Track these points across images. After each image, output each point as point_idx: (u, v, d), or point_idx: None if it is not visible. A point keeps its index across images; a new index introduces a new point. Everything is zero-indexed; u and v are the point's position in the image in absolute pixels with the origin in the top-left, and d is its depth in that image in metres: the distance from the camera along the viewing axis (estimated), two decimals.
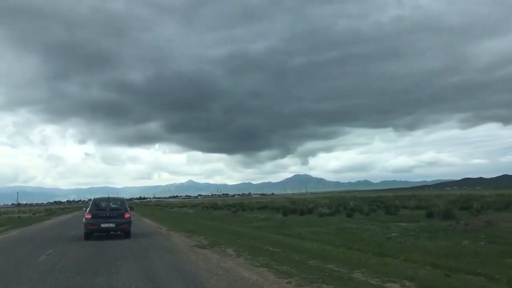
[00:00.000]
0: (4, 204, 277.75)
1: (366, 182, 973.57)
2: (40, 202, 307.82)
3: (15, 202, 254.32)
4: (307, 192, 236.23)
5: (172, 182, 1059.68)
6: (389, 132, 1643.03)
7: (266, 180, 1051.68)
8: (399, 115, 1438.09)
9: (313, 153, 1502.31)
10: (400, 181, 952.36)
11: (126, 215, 18.56)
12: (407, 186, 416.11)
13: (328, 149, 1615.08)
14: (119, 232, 18.61)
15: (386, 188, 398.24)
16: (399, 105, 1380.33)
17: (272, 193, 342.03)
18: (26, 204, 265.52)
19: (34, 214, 70.56)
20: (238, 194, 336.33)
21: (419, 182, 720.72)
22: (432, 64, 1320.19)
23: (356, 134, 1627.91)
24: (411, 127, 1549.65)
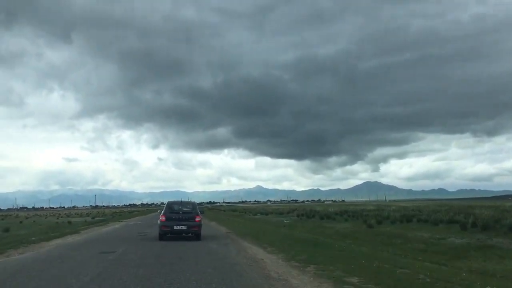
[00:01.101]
0: (83, 206, 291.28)
1: (441, 191, 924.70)
2: (116, 205, 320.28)
3: (93, 204, 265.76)
4: (385, 200, 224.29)
5: (240, 187, 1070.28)
6: (467, 138, 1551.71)
7: (335, 187, 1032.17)
8: (478, 120, 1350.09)
9: (384, 159, 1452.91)
10: (479, 190, 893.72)
11: (197, 219, 19.35)
12: (487, 196, 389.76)
13: (400, 156, 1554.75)
14: (190, 235, 19.28)
15: (463, 197, 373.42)
16: (478, 109, 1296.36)
17: (343, 200, 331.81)
18: (103, 206, 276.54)
19: (93, 218, 59.10)
20: (308, 201, 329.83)
21: (501, 191, 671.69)
22: None
23: (431, 139, 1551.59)
24: (492, 132, 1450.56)
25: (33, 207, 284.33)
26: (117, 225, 35.29)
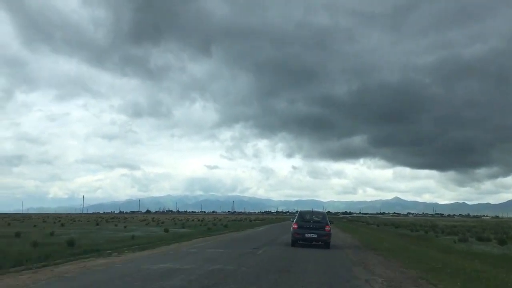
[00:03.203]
0: (222, 211, 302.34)
1: None
2: (252, 211, 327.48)
3: (231, 210, 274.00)
4: None
5: (377, 198, 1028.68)
6: None
7: (484, 201, 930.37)
8: None
9: None
10: None
11: (327, 228, 20.04)
12: None
13: None
14: (320, 243, 20.04)
15: None
16: None
17: (496, 216, 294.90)
18: (240, 212, 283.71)
19: (214, 224, 56.63)
20: (455, 215, 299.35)
21: None
22: None
23: None
24: None
25: (178, 211, 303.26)
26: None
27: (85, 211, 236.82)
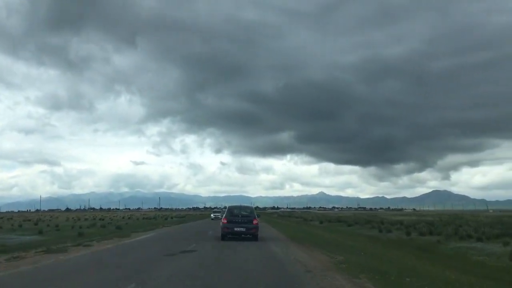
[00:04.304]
0: (148, 208, 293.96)
1: None
2: (180, 207, 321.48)
3: (157, 207, 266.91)
4: (487, 209, 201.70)
5: (303, 194, 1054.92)
6: None
7: (401, 195, 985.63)
8: None
9: (455, 167, 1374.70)
10: None
11: (255, 221, 21.42)
12: None
13: (473, 163, 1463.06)
14: (248, 236, 21.36)
15: None
16: None
17: (413, 209, 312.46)
18: (168, 208, 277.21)
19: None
20: (376, 208, 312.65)
21: None
22: None
23: (508, 146, 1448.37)
24: None
25: (101, 208, 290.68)
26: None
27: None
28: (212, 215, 73.24)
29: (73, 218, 79.74)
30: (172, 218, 78.70)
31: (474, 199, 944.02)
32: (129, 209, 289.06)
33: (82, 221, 60.02)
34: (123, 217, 79.53)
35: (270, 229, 36.82)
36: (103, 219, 63.77)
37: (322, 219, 64.82)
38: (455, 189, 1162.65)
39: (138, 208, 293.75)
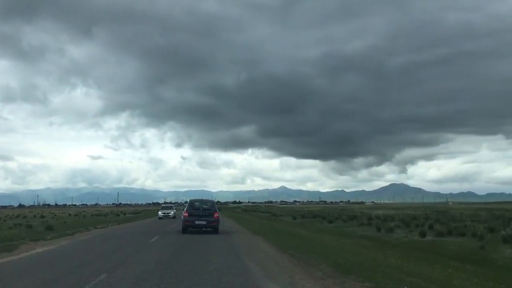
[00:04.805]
0: (107, 204, 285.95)
1: (470, 194, 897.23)
2: (140, 203, 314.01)
3: (116, 202, 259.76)
4: (447, 201, 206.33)
5: (265, 188, 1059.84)
6: (499, 140, 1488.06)
7: (360, 188, 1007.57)
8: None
9: (412, 161, 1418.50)
10: (509, 194, 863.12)
11: (215, 215, 21.51)
12: None
13: (428, 157, 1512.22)
14: (209, 229, 21.42)
15: (493, 200, 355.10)
16: None
17: (373, 202, 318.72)
18: (126, 204, 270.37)
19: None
20: (337, 202, 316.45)
21: None
22: None
23: (461, 141, 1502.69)
24: None
25: (56, 204, 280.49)
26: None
27: None
28: (159, 212, 50.42)
29: (14, 215, 71.86)
30: (125, 214, 70.95)
31: (429, 192, 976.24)
32: (86, 205, 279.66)
33: (20, 218, 54.35)
34: (75, 214, 72.67)
35: (237, 227, 29.22)
36: (43, 217, 57.88)
37: (294, 214, 57.93)
38: (411, 182, 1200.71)
39: (96, 204, 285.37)
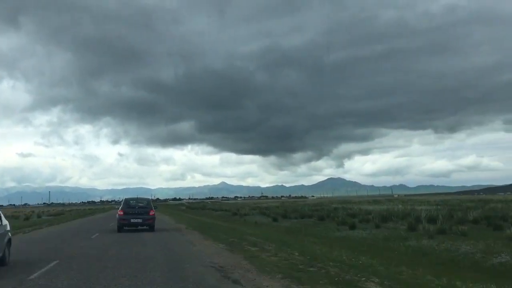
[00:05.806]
0: (37, 203, 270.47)
1: (401, 187, 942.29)
2: (74, 202, 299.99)
3: (47, 202, 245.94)
4: (392, 194, 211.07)
5: (205, 184, 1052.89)
6: (428, 134, 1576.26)
7: (299, 183, 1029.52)
8: (441, 116, 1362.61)
9: (349, 155, 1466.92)
10: (437, 186, 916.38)
11: (151, 213, 21.85)
12: (445, 192, 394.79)
13: (364, 152, 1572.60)
14: (145, 227, 21.61)
15: (423, 193, 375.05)
16: (442, 105, 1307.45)
17: (313, 196, 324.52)
18: (59, 203, 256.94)
19: None
20: (277, 197, 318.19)
21: (458, 187, 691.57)
22: (483, 60, 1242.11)
23: (395, 136, 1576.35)
24: (453, 129, 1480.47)
25: None
26: None
27: None
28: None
29: None
30: (39, 217, 53.40)
31: (365, 185, 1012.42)
32: (14, 205, 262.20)
33: None
34: None
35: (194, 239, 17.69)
36: None
37: (265, 212, 42.70)
38: (347, 176, 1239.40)
39: (25, 204, 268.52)
